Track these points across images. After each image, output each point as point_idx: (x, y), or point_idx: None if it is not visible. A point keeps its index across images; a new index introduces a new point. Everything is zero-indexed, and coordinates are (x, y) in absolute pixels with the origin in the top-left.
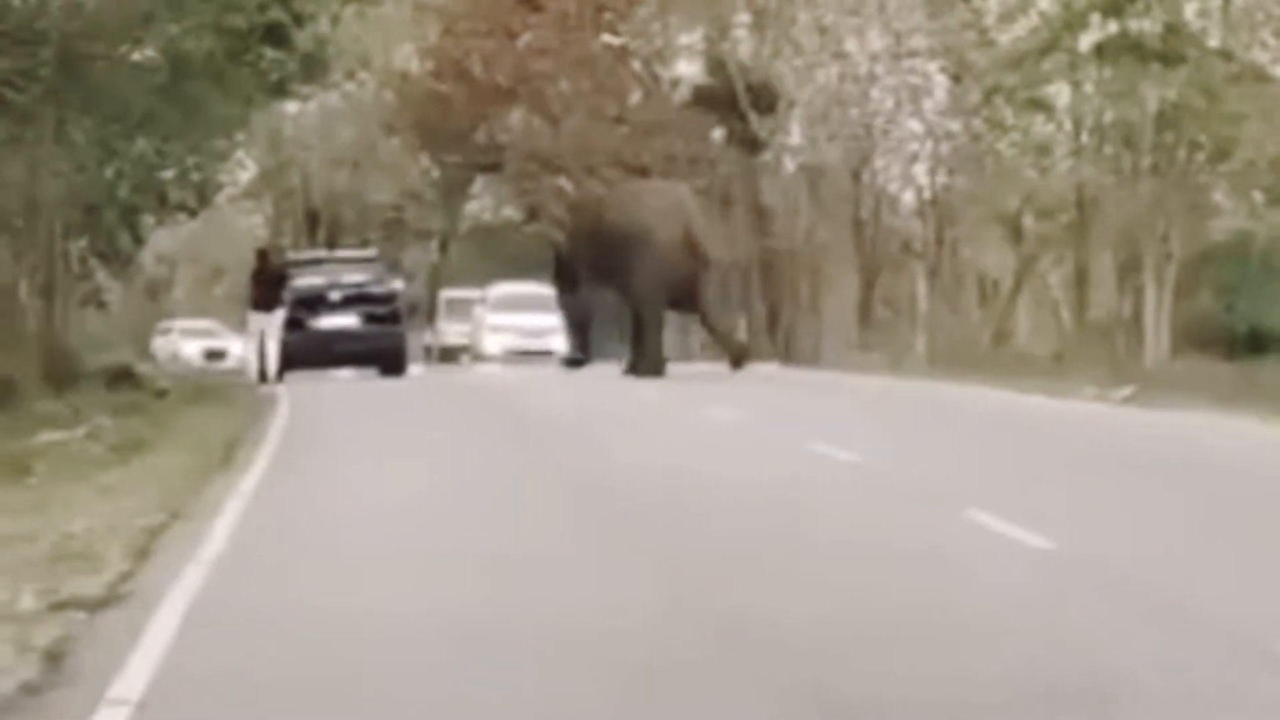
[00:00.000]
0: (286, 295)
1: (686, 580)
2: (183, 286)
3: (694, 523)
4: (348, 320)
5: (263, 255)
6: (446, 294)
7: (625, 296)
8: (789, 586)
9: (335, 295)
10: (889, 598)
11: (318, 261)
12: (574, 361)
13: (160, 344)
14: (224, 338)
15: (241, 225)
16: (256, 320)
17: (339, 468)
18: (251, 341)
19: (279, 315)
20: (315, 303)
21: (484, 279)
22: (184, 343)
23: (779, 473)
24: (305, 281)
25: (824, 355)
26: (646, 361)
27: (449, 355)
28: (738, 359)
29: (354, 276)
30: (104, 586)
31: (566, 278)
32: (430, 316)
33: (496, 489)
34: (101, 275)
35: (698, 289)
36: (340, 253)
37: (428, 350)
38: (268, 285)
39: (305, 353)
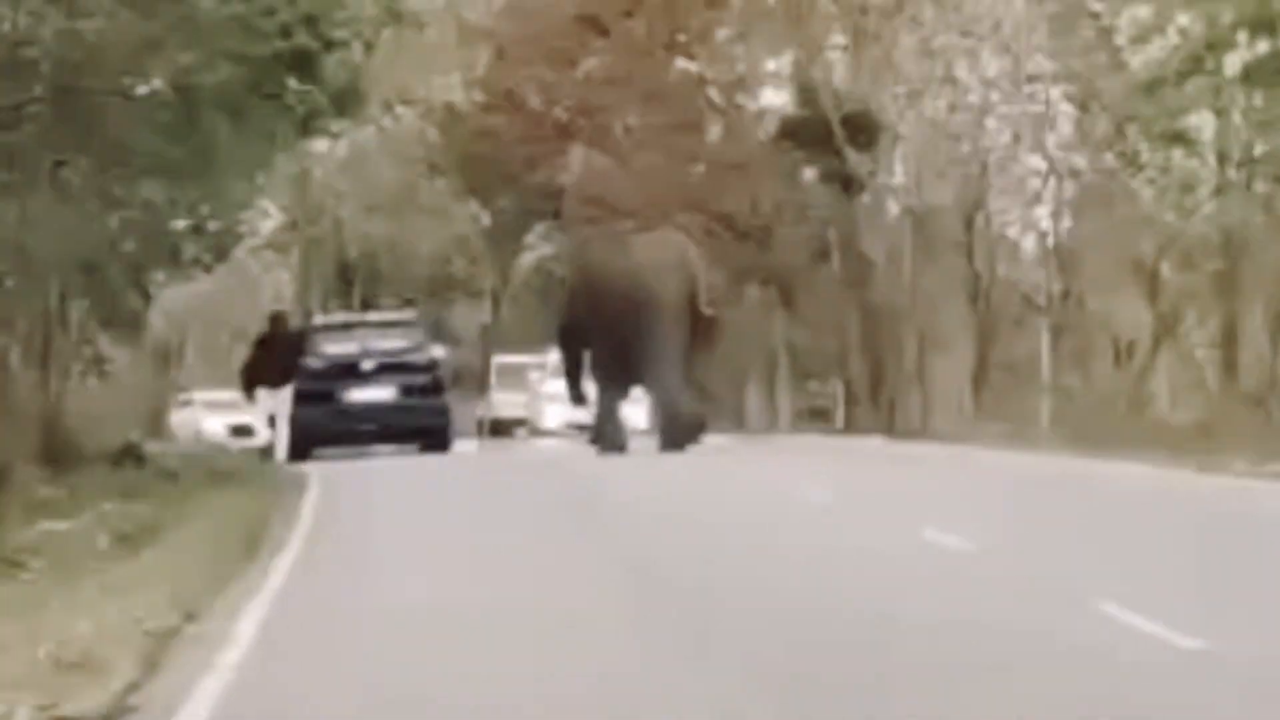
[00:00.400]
0: (311, 364)
1: (784, 698)
2: (197, 353)
3: (787, 625)
4: (382, 393)
5: (277, 320)
6: (500, 359)
7: (627, 363)
8: (899, 704)
9: (367, 364)
10: (1013, 708)
11: (347, 326)
12: (601, 438)
13: (180, 419)
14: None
15: (264, 282)
16: (266, 399)
17: (375, 566)
18: (260, 420)
19: (287, 393)
20: (344, 373)
21: (543, 342)
22: (207, 417)
23: (884, 565)
24: (333, 349)
25: (933, 426)
26: (671, 432)
27: (503, 429)
28: (688, 430)
29: (389, 342)
30: (109, 699)
31: (571, 343)
32: (482, 385)
33: (563, 603)
34: (104, 341)
35: (699, 349)
36: (373, 315)
37: (479, 424)
38: (280, 355)
39: (333, 430)
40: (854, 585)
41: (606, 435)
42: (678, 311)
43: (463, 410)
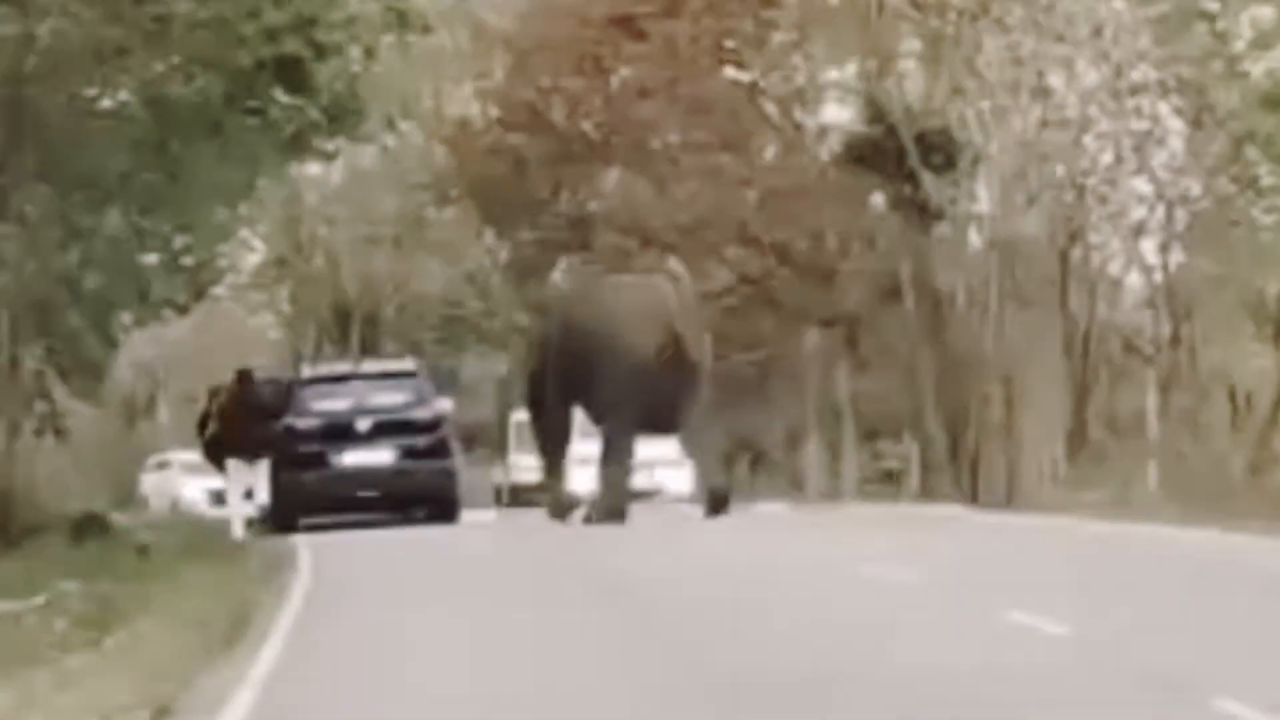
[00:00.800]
0: (298, 424)
1: None
2: (170, 407)
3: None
4: (380, 456)
5: (244, 378)
6: (520, 417)
7: (590, 417)
8: None
9: (363, 424)
10: None
11: (340, 379)
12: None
13: (152, 483)
14: None
15: (249, 326)
16: (241, 472)
17: (372, 657)
18: (235, 495)
19: (263, 467)
20: (337, 434)
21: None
22: (185, 481)
23: (968, 654)
24: (323, 405)
25: (1021, 493)
26: (603, 500)
27: (524, 496)
28: (715, 501)
29: (388, 397)
30: None
31: (537, 397)
32: (499, 447)
33: (593, 704)
34: (61, 393)
35: (679, 406)
36: (370, 365)
37: (497, 491)
38: (251, 421)
39: (323, 498)
40: (939, 677)
41: (559, 499)
42: (642, 361)
43: (476, 475)
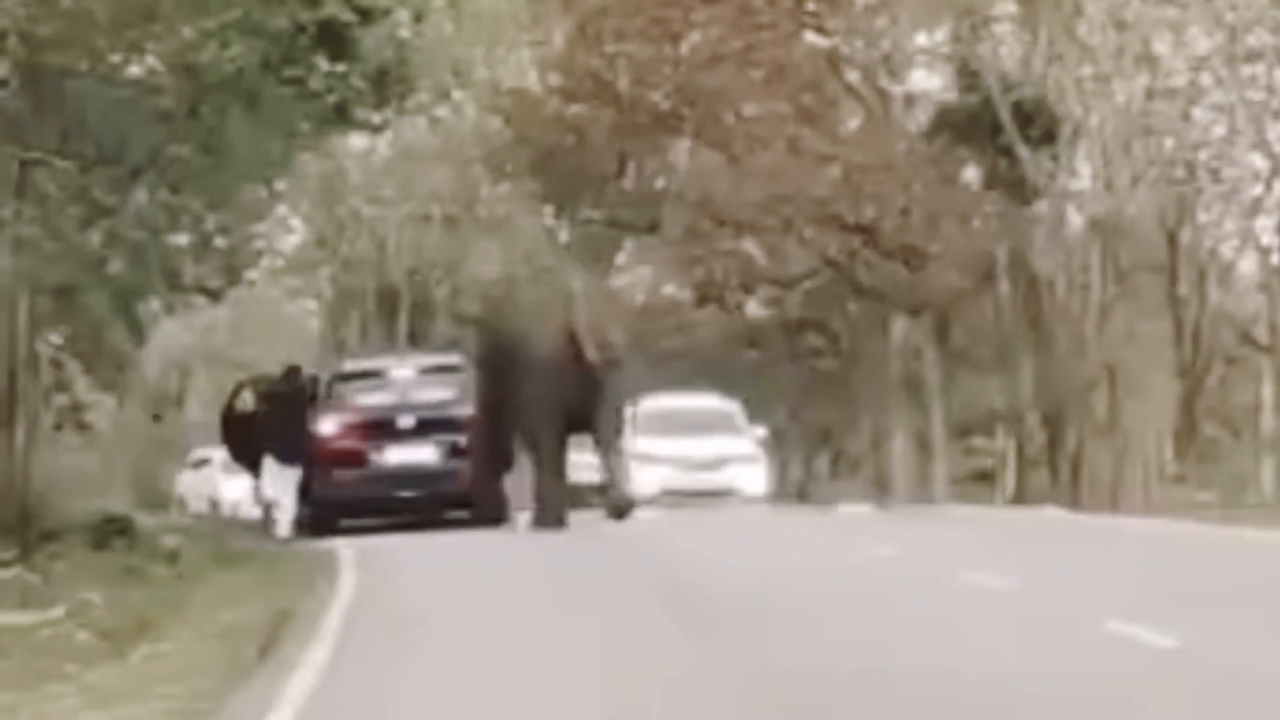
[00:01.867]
0: (336, 419)
1: None
2: (201, 400)
3: None
4: (421, 454)
5: (292, 376)
6: None
7: (519, 429)
8: None
9: (405, 421)
10: None
11: (377, 373)
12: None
13: (191, 482)
14: None
15: (286, 313)
16: (276, 474)
17: (420, 673)
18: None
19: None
20: (376, 430)
21: (634, 389)
22: (226, 481)
23: (1066, 666)
24: (362, 400)
25: (1126, 493)
26: (545, 510)
27: (580, 498)
28: (618, 507)
29: (431, 392)
30: None
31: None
32: None
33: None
34: (84, 386)
35: (586, 407)
36: (414, 358)
37: None
38: (291, 418)
39: (362, 498)
40: (1026, 686)
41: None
42: (550, 365)
43: (529, 476)
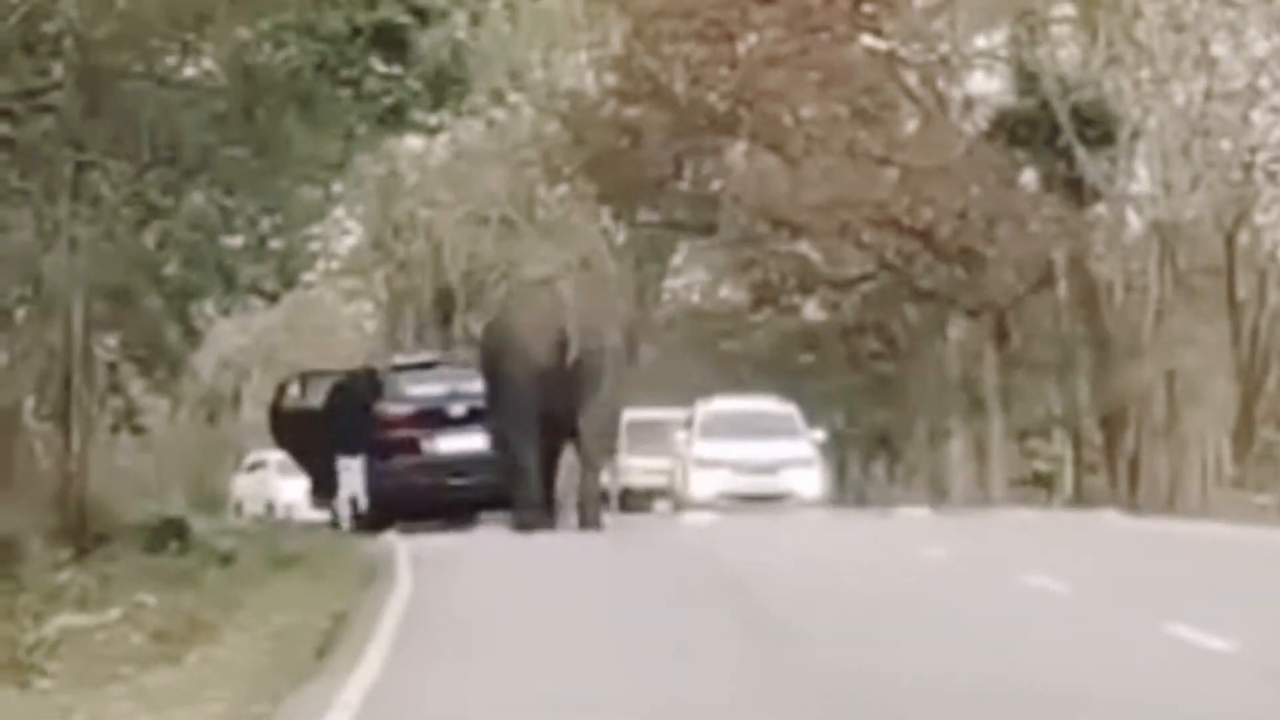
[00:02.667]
0: (387, 410)
1: None
2: (256, 403)
3: None
4: (472, 441)
5: (369, 376)
6: (631, 415)
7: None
8: None
9: (456, 409)
10: None
11: (430, 365)
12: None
13: (247, 485)
14: None
15: (342, 315)
16: (347, 469)
17: (481, 674)
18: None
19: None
20: (428, 419)
21: (689, 391)
22: (283, 483)
23: (1126, 670)
24: (415, 390)
25: (1184, 496)
26: (524, 511)
27: (635, 501)
28: (588, 515)
29: (482, 384)
30: None
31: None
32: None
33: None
34: (139, 388)
35: (573, 407)
36: (466, 354)
37: (604, 495)
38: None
39: (414, 490)
40: (1087, 690)
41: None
42: (542, 369)
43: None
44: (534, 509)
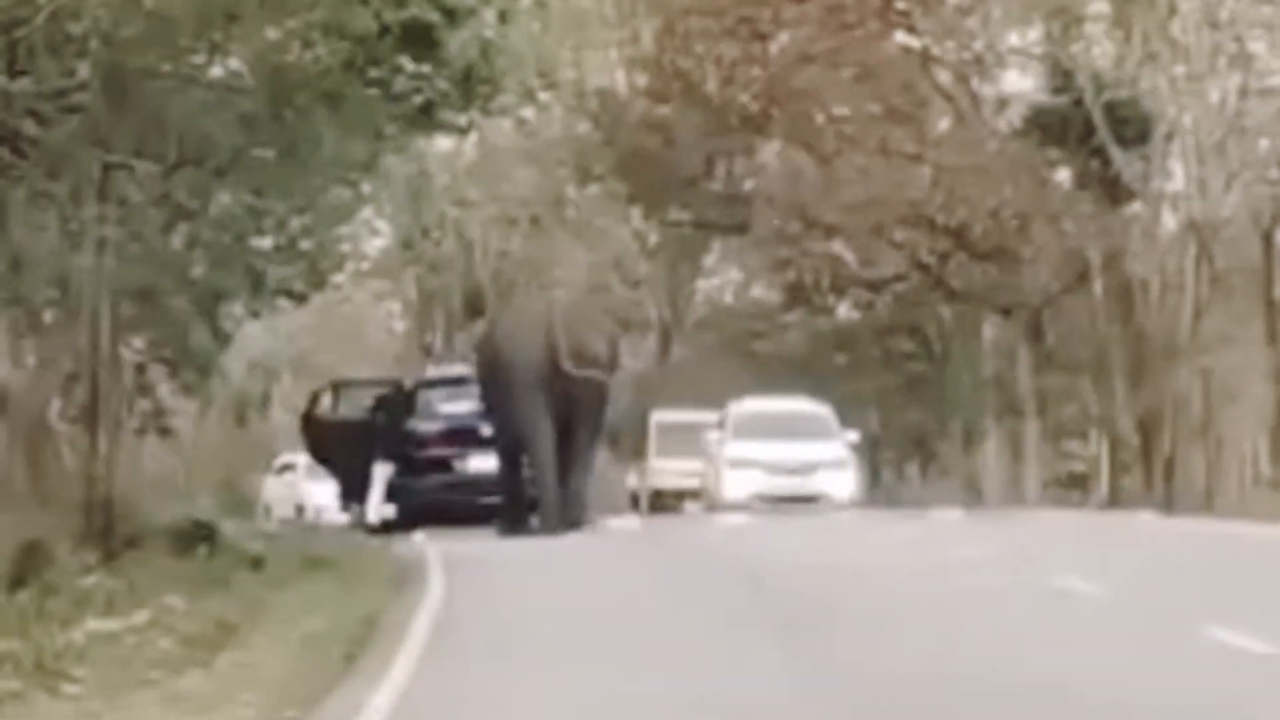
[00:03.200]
0: (421, 428)
1: None
2: (284, 405)
3: None
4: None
5: (398, 391)
6: (660, 417)
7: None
8: None
9: (487, 429)
10: None
11: (460, 381)
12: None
13: (275, 488)
14: None
15: (371, 316)
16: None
17: (511, 684)
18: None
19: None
20: (460, 437)
21: (721, 392)
22: (312, 486)
23: (1171, 673)
24: (444, 408)
25: (1221, 497)
26: (544, 518)
27: (665, 503)
28: (569, 518)
29: None
30: None
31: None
32: (637, 449)
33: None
34: (167, 390)
35: (566, 418)
36: None
37: (633, 497)
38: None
39: (445, 507)
40: (1124, 695)
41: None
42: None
43: (612, 479)
44: (520, 516)
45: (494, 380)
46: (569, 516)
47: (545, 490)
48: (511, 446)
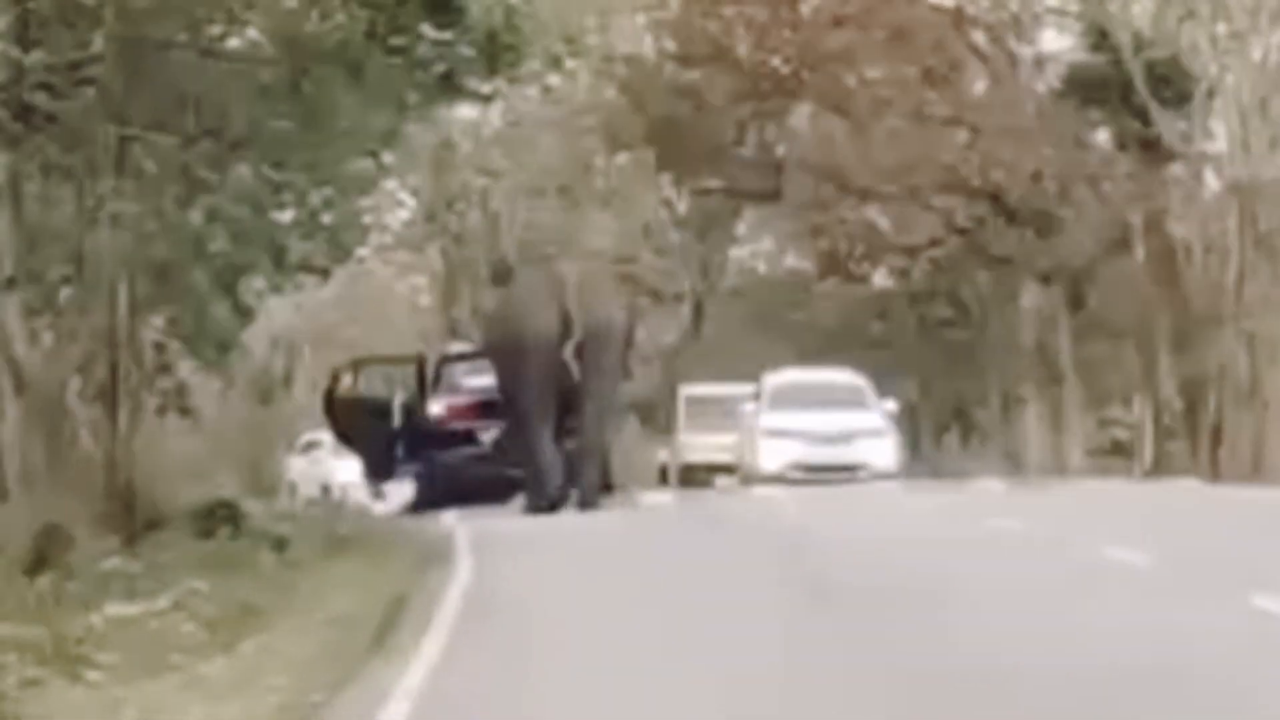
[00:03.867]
0: (443, 401)
1: None
2: (308, 382)
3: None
4: None
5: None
6: (689, 390)
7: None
8: None
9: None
10: None
11: (480, 354)
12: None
13: (300, 467)
14: None
15: (396, 290)
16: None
17: (541, 667)
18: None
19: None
20: (485, 410)
21: (754, 365)
22: (338, 465)
23: (1220, 643)
24: (471, 382)
25: (1269, 464)
26: (537, 493)
27: (695, 477)
28: (587, 495)
29: None
30: None
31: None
32: (666, 423)
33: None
34: (187, 368)
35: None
36: None
37: (663, 471)
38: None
39: (472, 481)
40: (1175, 667)
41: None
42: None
43: (642, 451)
44: (546, 491)
45: (503, 351)
46: (581, 499)
47: (532, 467)
48: (525, 419)
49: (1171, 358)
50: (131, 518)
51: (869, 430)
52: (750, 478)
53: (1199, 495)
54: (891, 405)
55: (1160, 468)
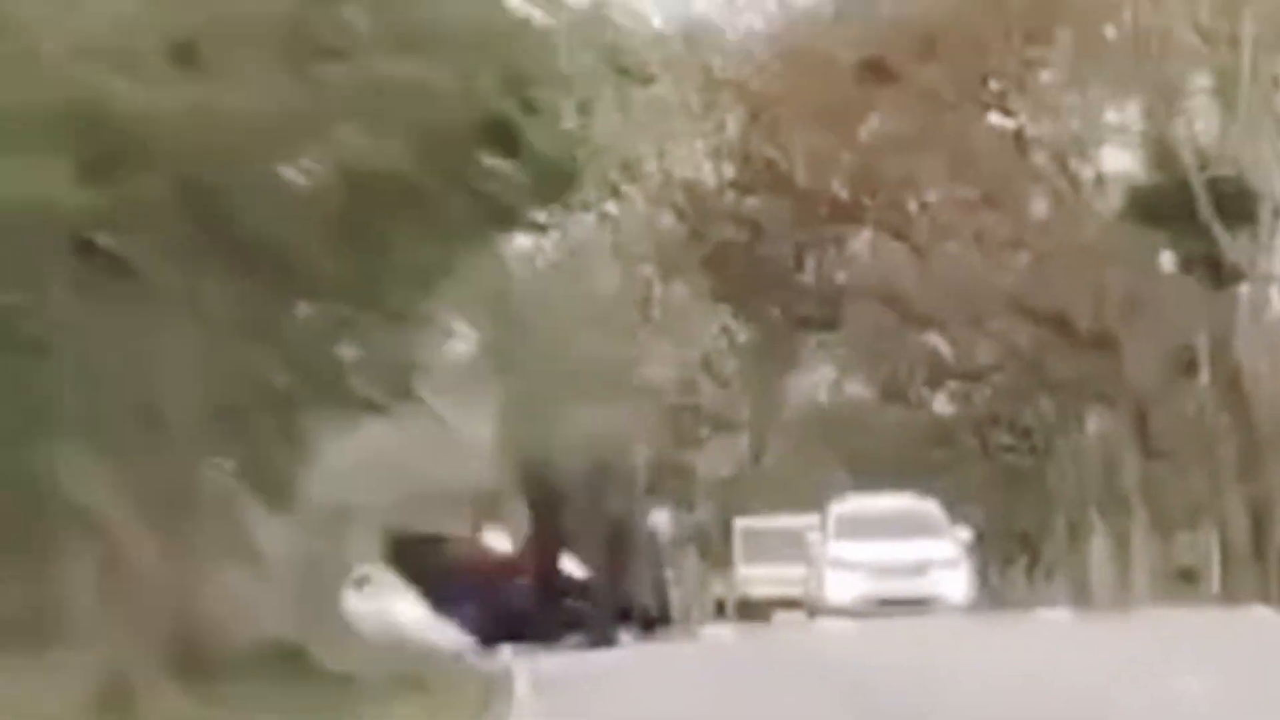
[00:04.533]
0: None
1: None
2: (371, 519)
3: None
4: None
5: None
6: (744, 523)
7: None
8: None
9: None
10: None
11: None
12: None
13: (361, 603)
14: None
15: (458, 422)
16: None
17: None
18: None
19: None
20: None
21: (813, 494)
22: (399, 601)
23: None
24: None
25: None
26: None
27: (754, 610)
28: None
29: None
30: None
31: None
32: (723, 555)
33: None
34: (249, 506)
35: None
36: None
37: (719, 604)
38: None
39: (531, 610)
40: None
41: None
42: None
43: (690, 584)
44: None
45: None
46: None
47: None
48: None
49: (1239, 483)
50: (193, 658)
51: (943, 560)
52: (817, 610)
53: (1267, 624)
54: (965, 533)
55: (1228, 594)
